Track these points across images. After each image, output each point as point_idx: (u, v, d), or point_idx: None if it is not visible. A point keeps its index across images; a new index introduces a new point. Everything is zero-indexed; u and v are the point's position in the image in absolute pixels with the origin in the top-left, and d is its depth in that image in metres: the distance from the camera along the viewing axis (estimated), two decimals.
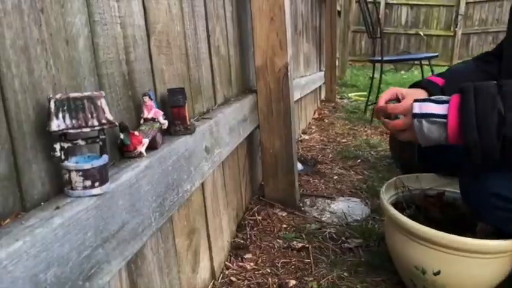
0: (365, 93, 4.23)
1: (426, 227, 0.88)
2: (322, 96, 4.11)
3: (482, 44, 8.92)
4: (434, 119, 0.83)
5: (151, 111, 0.70)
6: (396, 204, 1.11)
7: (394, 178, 1.19)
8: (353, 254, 1.20)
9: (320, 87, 3.83)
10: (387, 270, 1.11)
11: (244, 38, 1.45)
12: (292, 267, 1.14)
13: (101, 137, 0.51)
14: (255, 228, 1.34)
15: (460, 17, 8.99)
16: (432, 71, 3.21)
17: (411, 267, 0.94)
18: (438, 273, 0.89)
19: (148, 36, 0.75)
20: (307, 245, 1.24)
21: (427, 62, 3.27)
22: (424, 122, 0.84)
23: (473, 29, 9.09)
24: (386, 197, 1.07)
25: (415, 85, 1.14)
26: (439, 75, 1.18)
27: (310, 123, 3.10)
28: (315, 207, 1.53)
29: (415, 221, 0.91)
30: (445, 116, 0.82)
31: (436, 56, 3.40)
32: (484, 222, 0.95)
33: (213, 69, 1.11)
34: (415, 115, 0.85)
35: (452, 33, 9.14)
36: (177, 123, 0.80)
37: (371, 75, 3.89)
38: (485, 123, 0.77)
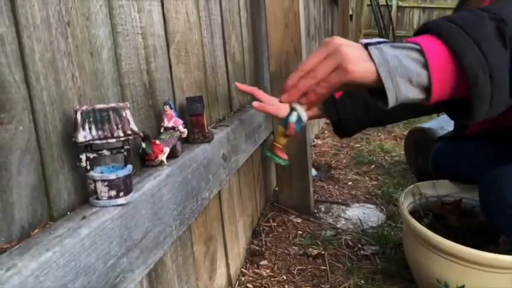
0: None
1: (452, 242, 0.86)
2: None
3: None
4: (403, 45, 0.56)
5: (172, 120, 0.71)
6: (413, 213, 1.10)
7: (412, 186, 1.17)
8: (369, 262, 1.20)
9: None
10: (404, 279, 1.10)
11: (259, 44, 1.45)
12: (308, 274, 1.13)
13: (125, 147, 0.52)
14: (270, 235, 1.34)
15: None
16: None
17: (432, 280, 0.92)
18: (462, 287, 0.87)
19: (168, 45, 0.76)
20: (323, 252, 1.23)
21: None
22: (385, 48, 0.56)
23: None
24: (404, 206, 1.06)
25: None
26: None
27: (322, 127, 3.09)
28: (329, 214, 1.53)
29: (432, 229, 0.90)
30: (417, 45, 0.55)
31: None
32: (504, 235, 0.93)
33: (228, 76, 1.12)
34: (368, 44, 0.57)
35: None
36: (196, 131, 0.80)
37: None
38: (481, 32, 0.54)
